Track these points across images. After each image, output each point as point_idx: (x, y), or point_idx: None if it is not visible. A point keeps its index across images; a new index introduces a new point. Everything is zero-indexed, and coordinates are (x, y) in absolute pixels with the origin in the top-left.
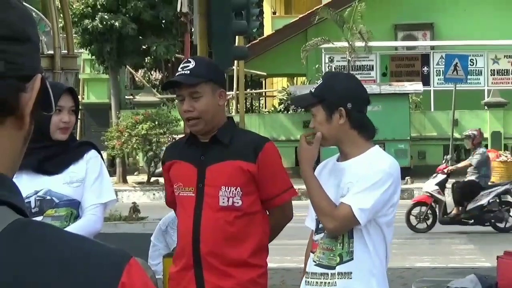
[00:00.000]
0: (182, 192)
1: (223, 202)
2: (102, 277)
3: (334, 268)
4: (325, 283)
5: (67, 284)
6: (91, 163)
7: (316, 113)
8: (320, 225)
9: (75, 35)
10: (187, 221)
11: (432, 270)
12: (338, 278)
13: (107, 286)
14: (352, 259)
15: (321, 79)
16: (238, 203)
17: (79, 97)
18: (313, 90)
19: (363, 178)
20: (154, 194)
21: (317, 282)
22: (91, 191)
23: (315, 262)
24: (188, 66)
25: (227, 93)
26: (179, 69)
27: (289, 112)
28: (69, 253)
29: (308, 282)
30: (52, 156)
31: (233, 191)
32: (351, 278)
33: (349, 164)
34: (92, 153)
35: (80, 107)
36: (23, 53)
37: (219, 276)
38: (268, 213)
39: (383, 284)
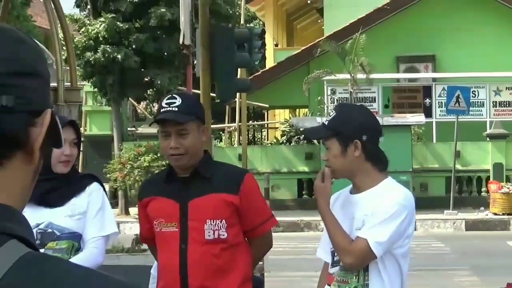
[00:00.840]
0: (164, 228)
1: (209, 236)
2: None
3: None
4: None
5: None
6: (93, 196)
7: (331, 146)
8: (336, 258)
9: (77, 67)
10: (172, 257)
11: None
12: None
13: None
14: None
15: (333, 110)
16: (223, 235)
17: (82, 129)
18: (326, 122)
19: (378, 210)
20: None
21: None
22: (93, 224)
23: None
24: (175, 102)
25: (230, 124)
26: (164, 105)
27: (291, 144)
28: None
29: None
30: (54, 188)
31: (218, 223)
32: None
33: (362, 196)
34: (94, 185)
35: (82, 139)
36: (33, 88)
37: None
38: (249, 242)
39: None
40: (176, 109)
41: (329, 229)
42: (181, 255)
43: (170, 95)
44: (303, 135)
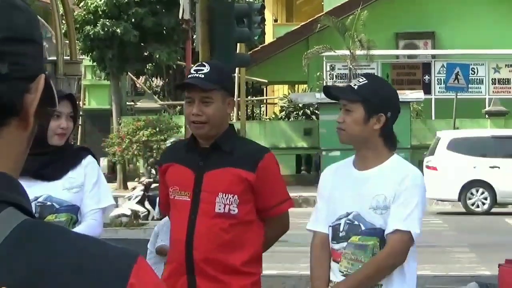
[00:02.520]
0: (178, 196)
1: (219, 209)
2: (110, 279)
3: None
4: None
5: (75, 286)
6: (89, 169)
7: (354, 110)
8: (341, 234)
9: (77, 41)
10: (181, 226)
11: (433, 278)
12: None
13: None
14: None
15: (362, 77)
16: (234, 211)
17: (81, 103)
18: (354, 86)
19: (404, 197)
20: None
21: None
22: (90, 197)
23: (343, 272)
24: (202, 70)
25: None
26: (192, 71)
27: (290, 120)
28: (76, 255)
29: None
30: (50, 162)
31: (230, 198)
32: None
33: (372, 174)
34: (89, 158)
35: (81, 113)
36: (28, 54)
37: (212, 283)
38: (264, 223)
39: None
40: (203, 76)
41: (371, 279)
42: (189, 226)
43: (200, 63)
44: (302, 111)
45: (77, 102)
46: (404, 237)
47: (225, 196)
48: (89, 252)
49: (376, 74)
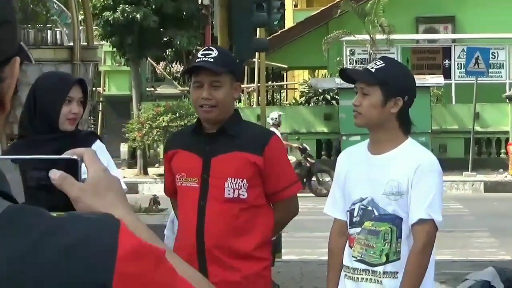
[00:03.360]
0: (185, 183)
1: (229, 194)
2: (98, 254)
3: (375, 265)
4: (369, 279)
5: (64, 266)
6: (99, 154)
7: (371, 94)
8: (355, 219)
9: (96, 27)
10: (190, 213)
11: (452, 263)
12: (384, 277)
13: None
14: (399, 259)
15: (379, 60)
16: (243, 195)
17: (100, 89)
18: (372, 69)
19: (424, 184)
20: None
21: (359, 278)
22: None
23: (356, 258)
24: (211, 54)
25: (249, 85)
26: (200, 55)
27: (310, 105)
28: (62, 235)
29: (350, 277)
30: (61, 148)
31: (239, 183)
32: (397, 278)
33: (386, 158)
34: (98, 143)
35: (101, 99)
36: (2, 38)
37: (224, 269)
38: (273, 207)
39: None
40: (212, 60)
41: (419, 278)
42: (199, 212)
43: (206, 47)
44: (322, 96)
45: (89, 88)
46: (429, 226)
47: (234, 180)
48: (74, 231)
49: (396, 58)
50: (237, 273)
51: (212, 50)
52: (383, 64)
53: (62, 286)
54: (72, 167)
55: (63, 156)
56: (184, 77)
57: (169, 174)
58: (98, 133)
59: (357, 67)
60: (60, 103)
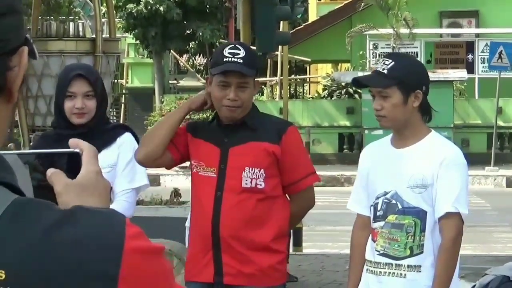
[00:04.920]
0: (203, 172)
1: (246, 184)
2: (105, 247)
3: (399, 258)
4: (392, 273)
5: (73, 261)
6: (123, 148)
7: (391, 95)
8: (378, 213)
9: (119, 19)
10: (207, 202)
11: (473, 257)
12: (408, 271)
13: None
14: (422, 252)
15: (387, 59)
16: (261, 185)
17: (123, 81)
18: (384, 71)
19: (448, 178)
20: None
21: (382, 272)
22: (123, 176)
23: (379, 251)
24: (239, 54)
25: (272, 78)
26: (227, 54)
27: (332, 98)
28: (69, 229)
29: (372, 271)
30: (86, 141)
31: (256, 172)
32: (420, 271)
33: (410, 152)
34: (126, 136)
35: (124, 91)
36: (10, 27)
37: (239, 260)
38: (289, 199)
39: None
40: (241, 61)
41: (451, 270)
42: (215, 203)
43: (232, 45)
44: (344, 90)
45: (111, 80)
46: (456, 220)
47: (252, 170)
48: (82, 224)
49: (419, 53)
50: (252, 266)
51: (240, 50)
52: (393, 63)
53: (70, 277)
54: (74, 160)
55: (65, 150)
56: (207, 70)
57: (177, 140)
58: None
59: (380, 61)
60: (61, 98)
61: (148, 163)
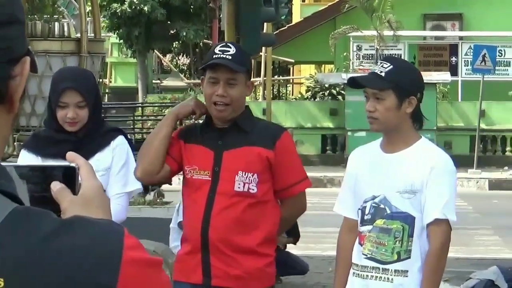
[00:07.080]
0: (197, 175)
1: (239, 187)
2: (103, 259)
3: (386, 263)
4: (379, 277)
5: (70, 268)
6: (117, 151)
7: (385, 98)
8: (366, 217)
9: (103, 18)
10: (199, 204)
11: (456, 260)
12: (395, 275)
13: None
14: (410, 257)
15: (385, 62)
16: (253, 189)
17: (106, 80)
18: (381, 73)
19: (437, 184)
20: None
21: (368, 276)
22: (117, 180)
23: (366, 255)
24: (229, 51)
25: (255, 79)
26: (217, 51)
27: (316, 100)
28: (67, 238)
29: (359, 274)
30: (76, 149)
31: (249, 177)
32: (407, 276)
33: (400, 157)
34: (119, 139)
35: (107, 91)
36: (12, 36)
37: (227, 263)
38: (281, 203)
39: None
40: (230, 57)
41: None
42: (207, 205)
43: (224, 43)
44: (328, 91)
45: (96, 80)
46: (444, 226)
47: (245, 174)
48: (80, 234)
49: (402, 55)
50: (240, 268)
51: (230, 47)
52: (391, 66)
53: (68, 286)
54: (70, 174)
55: (62, 163)
56: (190, 70)
57: (173, 146)
58: None
59: (363, 62)
60: (54, 105)
61: (148, 178)
